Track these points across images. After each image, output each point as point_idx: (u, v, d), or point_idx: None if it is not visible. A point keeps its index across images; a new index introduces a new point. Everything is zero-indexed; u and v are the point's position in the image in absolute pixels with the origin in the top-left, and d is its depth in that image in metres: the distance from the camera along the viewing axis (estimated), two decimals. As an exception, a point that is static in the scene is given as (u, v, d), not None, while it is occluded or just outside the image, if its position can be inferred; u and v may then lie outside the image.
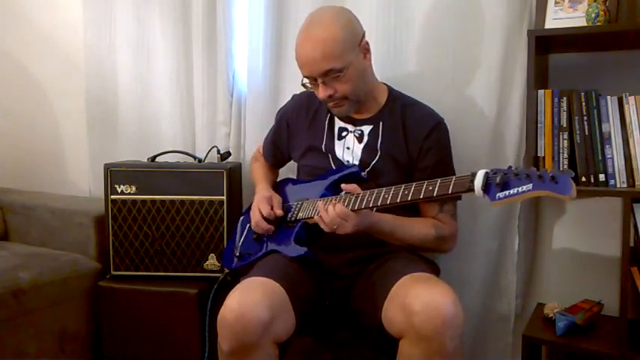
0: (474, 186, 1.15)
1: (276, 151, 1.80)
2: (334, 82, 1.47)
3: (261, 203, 1.61)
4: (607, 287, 1.70)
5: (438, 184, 1.25)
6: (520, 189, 1.09)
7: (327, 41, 1.43)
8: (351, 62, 1.46)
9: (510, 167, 1.14)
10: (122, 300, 1.94)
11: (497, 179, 1.11)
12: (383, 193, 1.35)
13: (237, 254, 1.68)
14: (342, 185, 1.43)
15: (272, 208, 1.59)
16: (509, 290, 1.81)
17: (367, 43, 1.52)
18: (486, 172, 1.15)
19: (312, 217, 1.48)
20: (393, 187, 1.35)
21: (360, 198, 1.39)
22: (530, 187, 1.08)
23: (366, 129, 1.60)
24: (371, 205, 1.36)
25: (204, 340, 1.84)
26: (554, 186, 1.06)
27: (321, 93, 1.49)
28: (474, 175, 1.17)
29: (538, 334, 1.62)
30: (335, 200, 1.43)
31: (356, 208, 1.38)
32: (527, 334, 1.62)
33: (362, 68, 1.51)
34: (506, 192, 1.10)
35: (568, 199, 1.06)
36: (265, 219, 1.58)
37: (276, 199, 1.65)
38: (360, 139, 1.59)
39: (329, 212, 1.40)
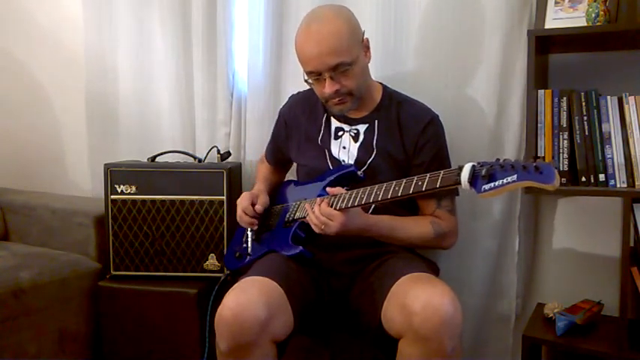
0: (460, 179, 1.17)
1: (276, 151, 1.81)
2: (341, 76, 1.47)
3: (241, 199, 1.64)
4: (607, 287, 1.70)
5: (426, 178, 1.27)
6: (505, 180, 1.10)
7: (335, 35, 1.44)
8: (357, 56, 1.48)
9: (498, 159, 1.15)
10: (122, 300, 1.94)
11: (483, 171, 1.13)
12: (375, 190, 1.35)
13: (237, 255, 1.69)
14: (328, 189, 1.45)
15: (253, 205, 1.62)
16: (510, 290, 1.81)
17: (367, 40, 1.54)
18: (473, 165, 1.16)
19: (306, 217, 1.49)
20: (385, 184, 1.35)
21: (349, 196, 1.39)
22: (515, 178, 1.09)
23: (362, 128, 1.60)
24: (363, 202, 1.36)
25: (204, 340, 1.84)
26: (538, 176, 1.08)
27: (328, 88, 1.48)
28: (460, 168, 1.18)
29: (538, 334, 1.62)
30: (326, 199, 1.43)
31: (344, 206, 1.38)
32: (527, 334, 1.62)
33: (365, 65, 1.53)
34: (492, 184, 1.12)
35: (551, 188, 1.07)
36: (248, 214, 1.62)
37: (262, 196, 1.66)
38: (355, 138, 1.59)
39: (315, 212, 1.41)
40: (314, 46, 1.45)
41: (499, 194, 1.13)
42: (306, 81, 1.53)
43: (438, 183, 1.23)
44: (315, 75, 1.49)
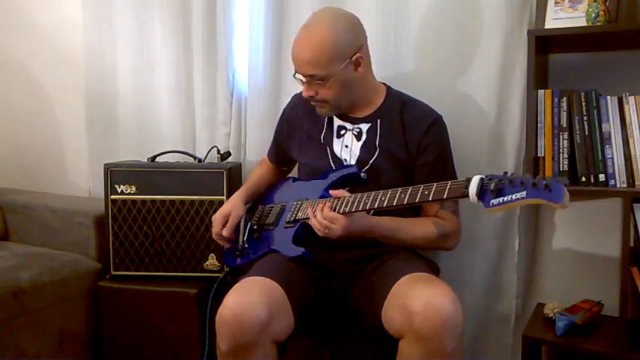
0: (468, 192, 1.16)
1: (278, 148, 1.81)
2: (316, 85, 1.50)
3: (215, 221, 1.65)
4: (607, 287, 1.70)
5: (433, 188, 1.26)
6: (514, 196, 1.10)
7: (315, 47, 1.45)
8: (335, 73, 1.47)
9: (506, 173, 1.15)
10: (122, 300, 1.94)
11: (492, 186, 1.12)
12: (380, 196, 1.36)
13: (238, 253, 1.68)
14: (330, 191, 1.45)
15: (224, 226, 1.64)
16: (510, 290, 1.81)
17: (361, 57, 1.50)
18: (481, 179, 1.16)
19: (309, 219, 1.49)
20: (390, 190, 1.35)
21: (352, 200, 1.39)
22: (524, 195, 1.09)
23: (365, 127, 1.60)
24: (367, 208, 1.36)
25: (204, 340, 1.84)
26: (547, 194, 1.07)
27: (304, 92, 1.54)
28: (468, 180, 1.17)
29: (538, 334, 1.62)
30: (329, 202, 1.43)
31: (347, 210, 1.38)
32: (527, 334, 1.62)
33: (348, 80, 1.51)
34: (500, 199, 1.12)
35: (560, 207, 1.07)
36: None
37: (234, 216, 1.65)
38: (358, 137, 1.59)
39: (317, 216, 1.41)
40: (299, 50, 1.49)
41: (506, 209, 1.12)
42: (294, 76, 1.55)
43: (445, 194, 1.23)
44: (299, 75, 1.52)
